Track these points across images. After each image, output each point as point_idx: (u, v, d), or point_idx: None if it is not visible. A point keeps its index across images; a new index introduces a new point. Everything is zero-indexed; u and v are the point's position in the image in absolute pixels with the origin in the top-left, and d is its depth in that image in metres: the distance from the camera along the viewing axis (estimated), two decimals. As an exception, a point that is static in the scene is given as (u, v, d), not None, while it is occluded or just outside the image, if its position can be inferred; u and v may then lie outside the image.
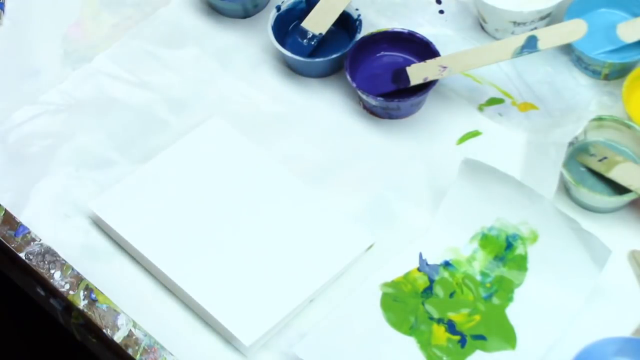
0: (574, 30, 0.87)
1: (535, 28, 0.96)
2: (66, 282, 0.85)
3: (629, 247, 0.85)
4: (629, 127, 0.88)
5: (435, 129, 0.94)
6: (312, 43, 0.97)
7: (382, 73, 0.95)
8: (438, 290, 0.83)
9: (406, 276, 0.84)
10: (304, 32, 0.97)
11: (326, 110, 0.96)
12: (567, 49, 0.97)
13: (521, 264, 0.83)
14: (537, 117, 0.94)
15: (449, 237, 0.86)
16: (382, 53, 0.97)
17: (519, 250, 0.84)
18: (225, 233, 0.86)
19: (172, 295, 0.85)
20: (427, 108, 0.96)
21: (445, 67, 0.91)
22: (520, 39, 0.88)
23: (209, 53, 1.01)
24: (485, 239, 0.85)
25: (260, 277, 0.84)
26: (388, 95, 0.93)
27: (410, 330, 0.81)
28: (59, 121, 0.97)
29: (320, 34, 0.97)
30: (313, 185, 0.90)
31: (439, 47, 0.95)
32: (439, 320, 0.82)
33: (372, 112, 0.96)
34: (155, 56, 1.01)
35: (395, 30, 0.97)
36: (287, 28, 1.00)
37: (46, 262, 0.86)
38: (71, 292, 0.84)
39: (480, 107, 0.96)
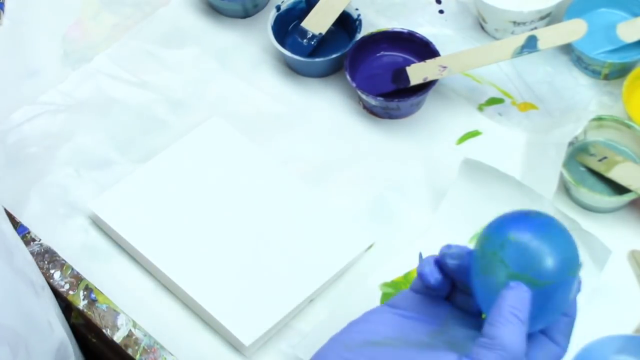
0: (574, 30, 0.87)
1: (535, 28, 0.96)
2: (66, 282, 0.85)
3: (629, 247, 0.85)
4: (629, 127, 0.88)
5: (435, 129, 0.94)
6: (312, 43, 0.97)
7: (382, 73, 0.95)
8: (438, 290, 0.83)
9: (406, 276, 0.84)
10: (303, 32, 0.97)
11: (326, 110, 0.96)
12: (567, 49, 0.97)
13: (521, 264, 0.83)
14: (537, 117, 0.94)
15: (449, 237, 0.85)
16: (382, 53, 0.97)
17: (519, 250, 0.83)
18: (225, 233, 0.86)
19: (172, 295, 0.85)
20: (427, 108, 0.96)
21: (445, 67, 0.91)
22: (520, 39, 0.88)
23: (209, 53, 1.01)
24: (485, 239, 0.85)
25: (260, 277, 0.84)
26: (388, 95, 0.93)
27: (410, 330, 0.81)
28: (59, 121, 0.97)
29: (320, 33, 0.97)
30: (313, 185, 0.90)
31: (438, 47, 0.95)
32: (439, 320, 0.82)
33: (372, 112, 0.96)
34: (155, 56, 1.01)
35: (395, 30, 0.97)
36: (287, 28, 1.00)
37: (46, 262, 0.86)
38: (71, 292, 0.84)
39: (480, 107, 0.96)
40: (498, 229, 0.60)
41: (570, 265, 0.58)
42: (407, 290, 0.64)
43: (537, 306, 0.57)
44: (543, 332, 0.60)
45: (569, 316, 0.60)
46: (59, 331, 0.75)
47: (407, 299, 0.63)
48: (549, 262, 0.57)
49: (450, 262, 0.61)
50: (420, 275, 0.62)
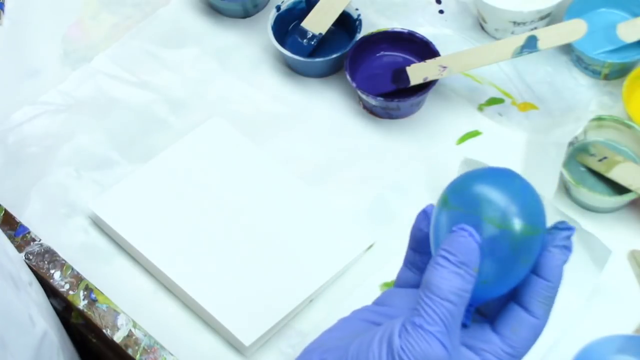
0: (574, 30, 0.87)
1: (535, 28, 0.96)
2: (66, 282, 0.85)
3: (629, 247, 0.85)
4: (629, 127, 0.88)
5: (435, 129, 0.94)
6: (312, 43, 0.97)
7: (382, 73, 0.95)
8: (438, 290, 0.83)
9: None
10: (303, 32, 0.97)
11: (326, 110, 0.96)
12: (567, 49, 0.97)
13: (521, 264, 0.83)
14: (537, 117, 0.94)
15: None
16: (382, 53, 0.97)
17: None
18: (225, 233, 0.86)
19: (172, 295, 0.85)
20: (427, 108, 0.96)
21: (445, 67, 0.91)
22: (520, 39, 0.88)
23: (209, 53, 1.01)
24: (485, 239, 0.84)
25: (260, 277, 0.84)
26: (388, 95, 0.93)
27: (410, 330, 0.81)
28: (59, 121, 0.97)
29: (320, 34, 0.97)
30: (313, 185, 0.90)
31: (439, 47, 0.95)
32: (439, 320, 0.81)
33: (372, 112, 0.96)
34: (155, 56, 1.01)
35: (395, 30, 0.97)
36: (287, 28, 1.00)
37: (46, 262, 0.86)
38: (71, 292, 0.84)
39: (480, 107, 0.96)
40: (459, 180, 0.56)
41: (531, 215, 0.53)
42: (391, 288, 0.61)
43: (493, 258, 0.52)
44: (517, 300, 0.55)
45: (550, 282, 0.54)
46: (41, 325, 0.75)
47: (390, 295, 0.60)
48: (508, 205, 0.53)
49: None
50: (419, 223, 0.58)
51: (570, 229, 0.55)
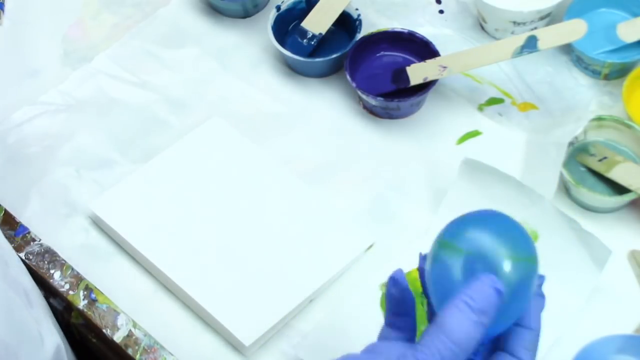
0: (574, 30, 0.87)
1: (535, 28, 0.96)
2: (66, 282, 0.85)
3: (629, 247, 0.85)
4: (629, 127, 0.88)
5: (435, 129, 0.94)
6: (312, 43, 0.97)
7: (382, 73, 0.95)
8: (438, 290, 0.83)
9: (406, 276, 0.84)
10: (303, 32, 0.97)
11: (326, 110, 0.96)
12: (567, 49, 0.97)
13: (521, 264, 0.83)
14: (537, 117, 0.94)
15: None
16: (382, 53, 0.97)
17: (519, 250, 0.83)
18: (225, 233, 0.86)
19: (172, 295, 0.85)
20: (427, 108, 0.96)
21: (445, 67, 0.91)
22: (520, 39, 0.88)
23: (209, 53, 1.01)
24: (485, 239, 0.84)
25: (260, 277, 0.84)
26: (388, 95, 0.93)
27: (410, 330, 0.81)
28: (59, 121, 0.97)
29: (320, 33, 0.97)
30: (313, 185, 0.90)
31: (439, 47, 0.95)
32: (439, 320, 0.81)
33: (372, 112, 0.96)
34: (155, 56, 1.01)
35: (395, 30, 0.97)
36: (287, 28, 1.00)
37: (46, 262, 0.86)
38: (71, 292, 0.84)
39: (480, 107, 0.96)
40: (453, 225, 0.59)
41: (528, 254, 0.56)
42: (376, 342, 0.61)
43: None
44: (506, 349, 0.58)
45: (533, 329, 0.58)
46: (50, 342, 0.75)
47: (377, 346, 0.60)
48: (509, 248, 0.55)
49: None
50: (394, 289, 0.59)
51: (541, 277, 0.58)
